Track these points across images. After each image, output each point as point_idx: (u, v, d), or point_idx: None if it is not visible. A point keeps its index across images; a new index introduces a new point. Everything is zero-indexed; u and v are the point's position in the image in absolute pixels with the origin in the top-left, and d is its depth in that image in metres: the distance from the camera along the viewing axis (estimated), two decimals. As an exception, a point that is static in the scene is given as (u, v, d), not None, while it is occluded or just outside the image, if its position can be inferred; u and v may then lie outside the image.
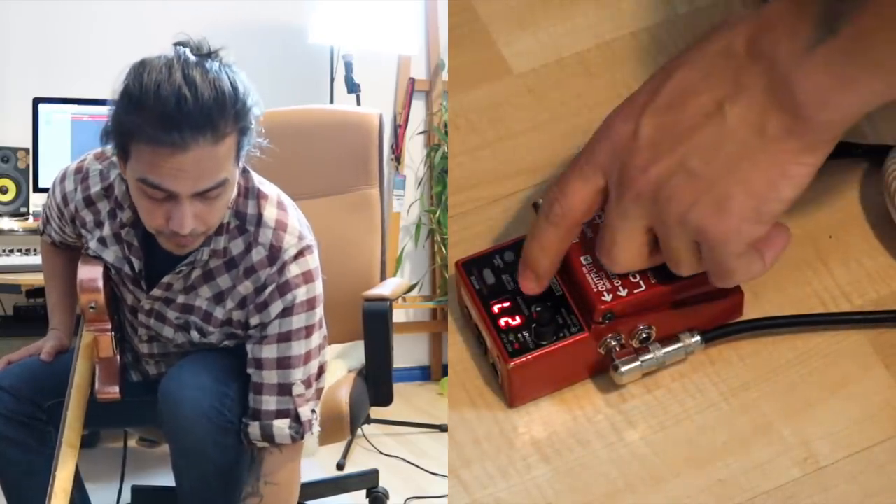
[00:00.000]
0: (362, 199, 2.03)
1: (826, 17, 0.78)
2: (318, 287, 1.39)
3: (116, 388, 1.46)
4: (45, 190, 2.70)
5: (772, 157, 0.82)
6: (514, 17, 1.15)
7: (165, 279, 1.40)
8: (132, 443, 2.01)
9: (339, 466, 2.59)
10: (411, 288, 3.51)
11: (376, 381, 1.71)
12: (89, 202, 1.44)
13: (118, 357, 1.46)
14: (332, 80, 3.20)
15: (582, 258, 0.99)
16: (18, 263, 2.41)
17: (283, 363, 1.34)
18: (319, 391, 1.42)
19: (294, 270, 1.35)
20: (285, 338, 1.34)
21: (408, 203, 3.50)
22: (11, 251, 2.49)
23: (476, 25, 1.15)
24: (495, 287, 1.00)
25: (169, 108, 1.15)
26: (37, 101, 2.65)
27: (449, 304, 1.05)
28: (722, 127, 0.83)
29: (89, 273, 1.41)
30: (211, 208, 1.27)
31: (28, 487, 1.47)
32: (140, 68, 1.23)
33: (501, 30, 1.15)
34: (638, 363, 0.98)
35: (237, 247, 1.37)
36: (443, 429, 2.88)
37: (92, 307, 1.40)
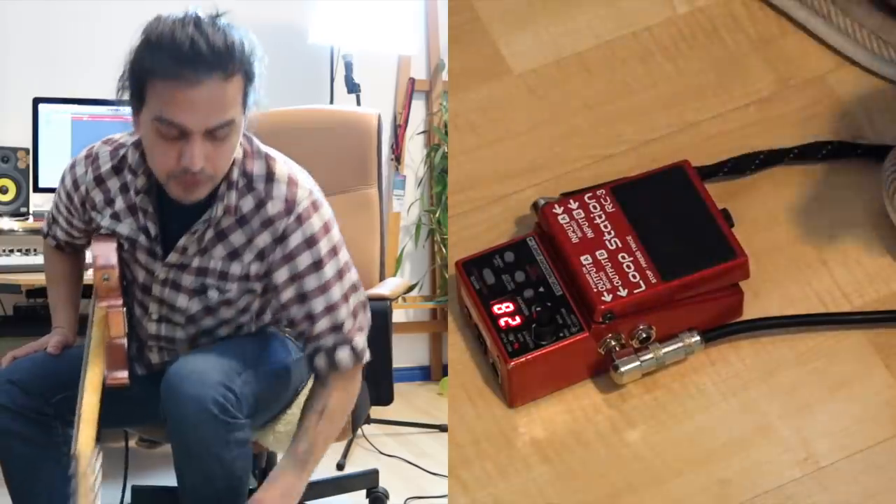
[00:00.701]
0: (361, 199, 2.03)
1: None
2: (336, 233, 1.47)
3: (125, 374, 1.47)
4: (45, 190, 2.69)
5: None
6: (514, 16, 1.15)
7: (181, 242, 1.42)
8: (132, 443, 2.01)
9: (339, 466, 2.59)
10: (411, 288, 3.50)
11: (376, 381, 1.72)
12: (99, 181, 1.48)
13: (126, 341, 1.46)
14: (332, 80, 3.19)
15: (582, 258, 0.99)
16: (18, 263, 2.41)
17: (330, 308, 1.43)
18: (368, 320, 1.51)
19: (316, 223, 1.42)
20: (325, 288, 1.42)
21: (408, 203, 3.49)
22: (11, 251, 2.49)
23: (476, 25, 1.15)
24: (495, 287, 1.00)
25: (184, 49, 1.26)
26: (37, 101, 2.65)
27: (449, 304, 1.05)
28: None
29: (103, 249, 1.45)
30: (219, 150, 1.33)
31: (33, 482, 1.47)
32: (156, 21, 1.33)
33: (501, 30, 1.15)
34: (638, 363, 0.98)
35: (247, 204, 1.42)
36: (443, 429, 2.88)
37: (105, 278, 1.43)
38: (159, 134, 1.31)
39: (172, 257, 1.44)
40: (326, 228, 1.43)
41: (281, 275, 1.42)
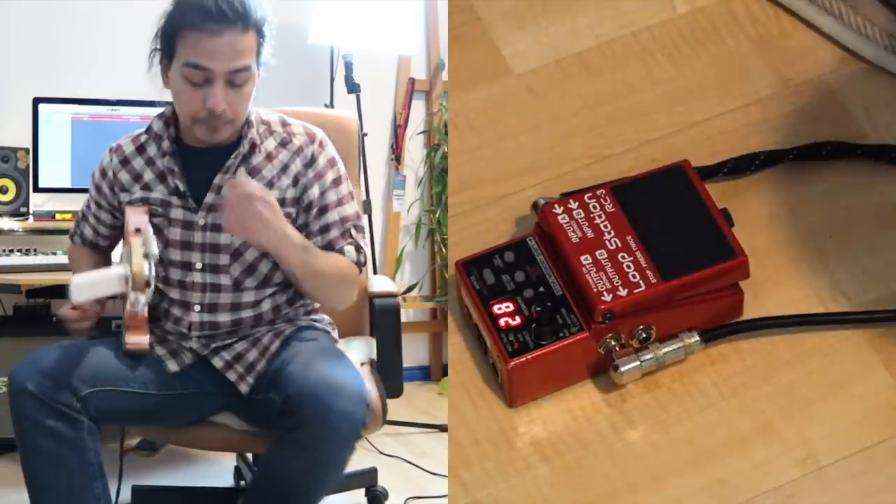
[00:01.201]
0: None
1: None
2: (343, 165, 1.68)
3: (146, 339, 1.52)
4: (45, 190, 2.69)
5: None
6: (514, 17, 1.15)
7: (216, 181, 1.57)
8: (131, 450, 2.01)
9: (339, 466, 2.58)
10: (411, 288, 3.50)
11: (387, 374, 1.76)
12: (125, 162, 1.63)
13: (146, 310, 1.50)
14: (332, 80, 3.19)
15: (582, 258, 0.99)
16: (18, 263, 2.41)
17: (343, 221, 1.60)
18: (366, 237, 1.66)
19: (331, 150, 1.62)
20: (341, 202, 1.60)
21: (408, 203, 3.49)
22: (11, 251, 2.49)
23: (476, 25, 1.15)
24: (495, 287, 1.00)
25: (210, 6, 1.49)
26: (37, 101, 2.64)
27: (449, 304, 1.05)
28: None
29: (136, 216, 1.57)
30: (238, 95, 1.52)
31: (54, 476, 1.47)
32: None
33: (501, 30, 1.15)
34: (638, 363, 0.98)
35: (270, 143, 1.60)
36: (443, 429, 2.88)
37: (137, 229, 1.53)
38: (187, 79, 1.50)
39: (209, 198, 1.57)
40: (338, 159, 1.64)
41: (314, 192, 1.58)
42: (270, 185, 1.57)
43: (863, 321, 1.00)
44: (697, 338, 0.99)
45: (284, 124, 1.64)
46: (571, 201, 1.02)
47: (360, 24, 3.04)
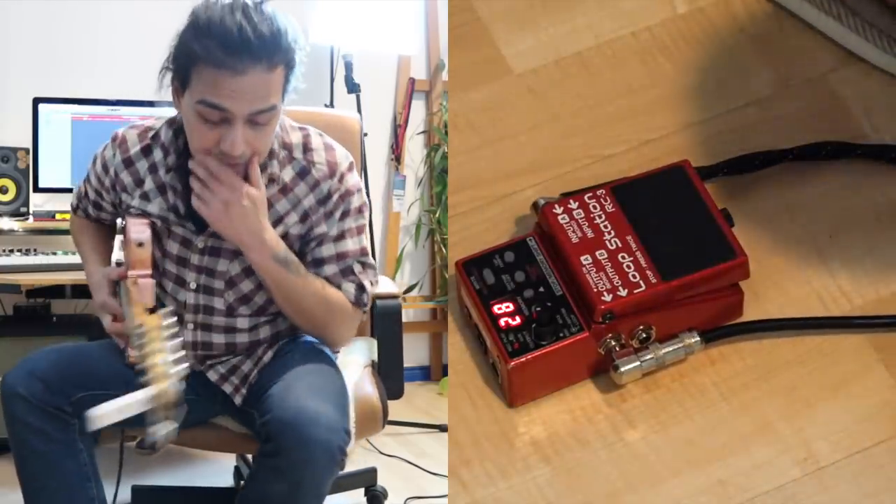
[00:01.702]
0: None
1: None
2: (365, 195, 1.54)
3: None
4: (45, 190, 2.69)
5: None
6: (514, 17, 1.15)
7: None
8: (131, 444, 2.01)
9: (339, 466, 2.58)
10: (411, 288, 3.50)
11: (388, 376, 1.76)
12: (129, 163, 1.52)
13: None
14: (332, 80, 3.19)
15: (582, 258, 0.99)
16: (18, 263, 2.41)
17: (341, 256, 1.47)
18: (375, 276, 1.55)
19: (350, 180, 1.48)
20: (340, 237, 1.47)
21: (408, 203, 3.50)
22: (11, 251, 2.49)
23: (476, 25, 1.15)
24: (495, 287, 1.00)
25: (232, 37, 1.30)
26: (37, 101, 2.65)
27: (449, 304, 1.05)
28: None
29: (137, 224, 1.48)
30: (259, 134, 1.37)
31: (47, 479, 1.47)
32: (205, 5, 1.36)
33: (501, 30, 1.15)
34: (638, 363, 0.98)
35: (288, 174, 1.47)
36: (443, 429, 2.88)
37: (140, 244, 1.45)
38: (201, 117, 1.35)
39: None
40: (357, 187, 1.51)
41: (320, 230, 1.47)
42: (279, 220, 1.46)
43: (862, 325, 0.99)
44: (698, 338, 0.99)
45: (307, 149, 1.49)
46: (571, 201, 1.02)
47: (360, 24, 3.04)
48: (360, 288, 1.48)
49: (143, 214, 1.49)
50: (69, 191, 2.64)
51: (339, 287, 1.46)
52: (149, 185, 1.50)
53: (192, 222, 1.48)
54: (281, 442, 1.34)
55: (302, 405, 1.36)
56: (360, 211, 1.50)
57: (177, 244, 1.50)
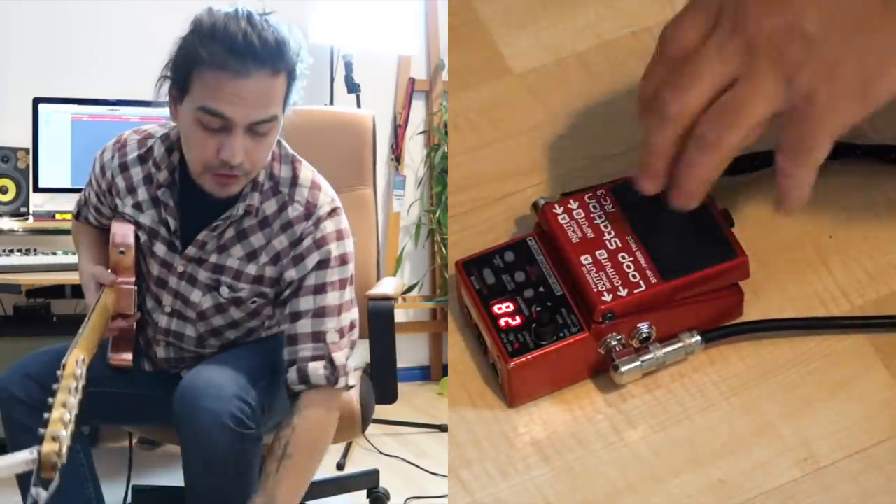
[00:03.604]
0: (357, 200, 2.04)
1: None
2: (349, 244, 1.45)
3: (130, 355, 1.48)
4: (45, 190, 2.70)
5: (889, 33, 0.81)
6: (514, 17, 1.15)
7: (201, 236, 1.43)
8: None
9: (339, 466, 2.59)
10: (411, 288, 3.51)
11: (381, 380, 1.74)
12: (124, 168, 1.49)
13: (135, 325, 1.46)
14: (332, 80, 3.20)
15: (582, 258, 0.99)
16: (18, 263, 2.41)
17: (318, 313, 1.39)
18: (353, 343, 1.46)
19: (329, 227, 1.41)
20: (321, 290, 1.39)
21: (408, 203, 3.50)
22: (11, 251, 2.49)
23: (476, 25, 1.15)
24: (495, 287, 1.00)
25: (237, 40, 1.27)
26: (37, 101, 2.65)
27: (449, 304, 1.05)
28: None
29: (122, 229, 1.47)
30: (258, 145, 1.33)
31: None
32: (207, 12, 1.34)
33: (501, 30, 1.15)
34: (638, 363, 0.98)
35: (270, 207, 1.42)
36: (443, 429, 2.88)
37: (122, 252, 1.44)
38: (201, 124, 1.31)
39: (191, 251, 1.45)
40: (340, 236, 1.43)
41: (290, 275, 1.41)
42: (254, 255, 1.42)
43: (862, 326, 0.99)
44: (698, 338, 0.99)
45: (293, 184, 1.43)
46: (571, 201, 1.02)
47: (360, 24, 3.05)
48: (331, 365, 1.39)
49: (135, 224, 1.48)
50: (69, 191, 2.64)
51: (304, 370, 1.37)
52: (142, 195, 1.48)
53: (181, 240, 1.46)
54: (179, 416, 1.35)
55: (194, 378, 1.37)
56: (342, 261, 1.42)
57: (157, 265, 1.48)
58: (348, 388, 1.43)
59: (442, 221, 3.41)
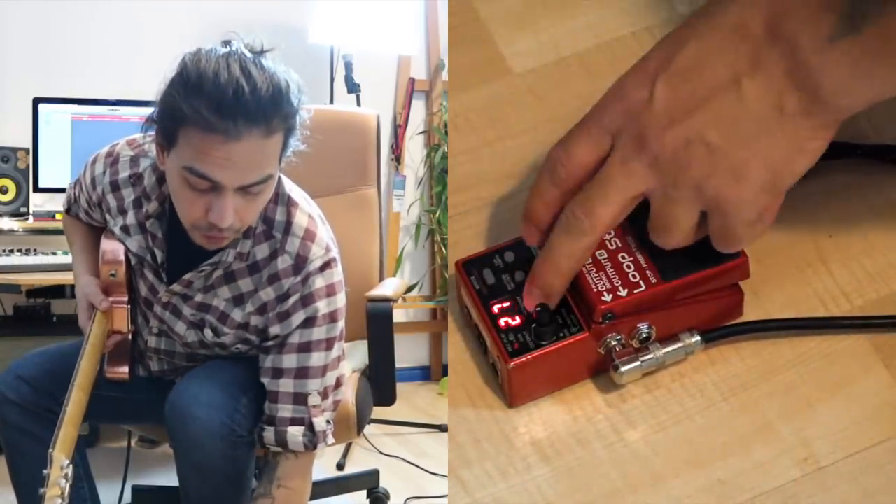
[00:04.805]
0: (360, 200, 2.04)
1: (851, 15, 0.81)
2: (340, 300, 1.38)
3: (126, 368, 1.46)
4: (45, 190, 2.70)
5: (790, 133, 0.86)
6: (514, 17, 1.15)
7: (187, 276, 1.38)
8: (132, 442, 2.02)
9: (340, 466, 2.59)
10: (411, 288, 3.51)
11: (380, 381, 1.73)
12: (115, 187, 1.43)
13: (130, 336, 1.45)
14: (332, 80, 3.20)
15: (582, 258, 0.99)
16: (18, 263, 2.41)
17: (301, 373, 1.33)
18: (336, 403, 1.42)
19: (318, 283, 1.34)
20: (305, 348, 1.33)
21: (408, 203, 3.50)
22: (11, 251, 2.49)
23: (476, 25, 1.15)
24: (495, 287, 1.00)
25: (227, 97, 1.15)
26: (37, 101, 2.65)
27: (449, 304, 1.05)
28: (739, 101, 0.86)
29: (112, 245, 1.43)
30: (250, 205, 1.26)
31: (37, 481, 1.47)
32: (196, 56, 1.22)
33: (501, 30, 1.15)
34: (638, 363, 0.98)
35: (262, 252, 1.36)
36: (443, 429, 2.89)
37: (112, 274, 1.41)
38: (188, 183, 1.22)
39: (176, 287, 1.40)
40: (331, 291, 1.36)
41: (274, 330, 1.36)
42: (241, 300, 1.37)
43: (862, 326, 0.99)
44: (698, 338, 0.99)
45: (286, 231, 1.35)
46: (571, 201, 1.02)
47: (360, 24, 3.05)
48: (310, 431, 1.35)
49: (125, 244, 1.44)
50: (69, 191, 2.64)
51: (285, 427, 1.34)
52: (130, 219, 1.41)
53: (167, 272, 1.41)
54: (170, 424, 1.35)
55: (184, 388, 1.35)
56: (331, 319, 1.35)
57: (145, 287, 1.45)
58: (329, 443, 1.40)
59: (442, 221, 3.41)
